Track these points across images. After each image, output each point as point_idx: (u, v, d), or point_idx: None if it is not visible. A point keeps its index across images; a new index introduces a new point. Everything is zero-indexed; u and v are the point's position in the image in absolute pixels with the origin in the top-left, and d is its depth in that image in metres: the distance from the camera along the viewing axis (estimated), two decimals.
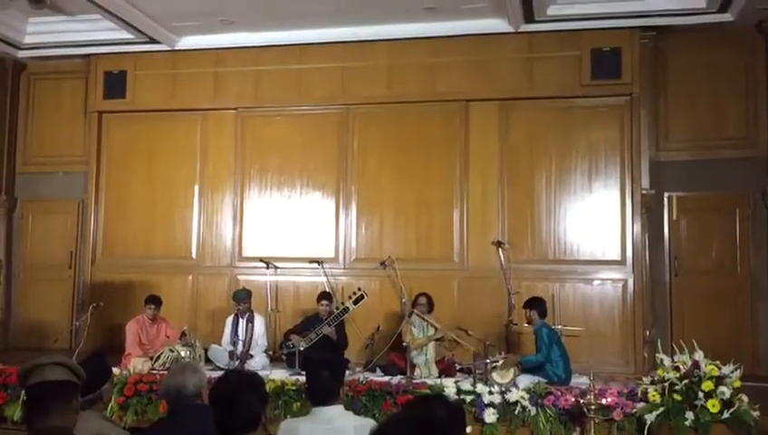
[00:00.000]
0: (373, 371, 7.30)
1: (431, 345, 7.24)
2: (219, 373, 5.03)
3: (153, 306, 7.78)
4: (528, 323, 7.17)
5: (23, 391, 2.68)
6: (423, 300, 7.45)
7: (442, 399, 2.55)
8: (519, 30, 8.38)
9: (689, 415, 5.30)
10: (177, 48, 9.29)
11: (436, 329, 7.29)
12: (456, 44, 8.63)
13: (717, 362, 5.47)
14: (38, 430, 2.56)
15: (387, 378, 6.84)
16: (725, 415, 5.26)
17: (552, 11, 8.11)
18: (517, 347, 7.81)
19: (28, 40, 9.44)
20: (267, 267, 8.49)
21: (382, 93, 8.85)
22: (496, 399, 6.00)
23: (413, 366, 7.06)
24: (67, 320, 9.28)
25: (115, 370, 5.47)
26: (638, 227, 8.17)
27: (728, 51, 8.35)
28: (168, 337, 7.74)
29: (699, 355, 5.51)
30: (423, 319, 7.35)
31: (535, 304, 7.04)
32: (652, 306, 8.18)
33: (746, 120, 8.29)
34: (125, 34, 8.91)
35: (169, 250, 9.32)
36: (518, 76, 8.56)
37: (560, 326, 7.31)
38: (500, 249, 8.05)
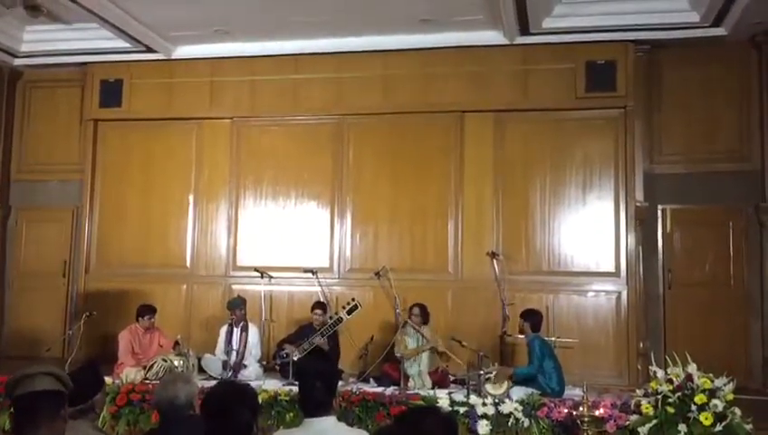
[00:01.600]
0: (367, 381, 7.29)
1: (424, 356, 7.21)
2: (212, 383, 5.02)
3: (151, 317, 7.76)
4: (521, 333, 7.18)
5: (11, 402, 2.65)
6: (417, 311, 7.43)
7: (435, 410, 2.56)
8: (514, 42, 8.42)
9: (682, 428, 5.31)
10: (173, 57, 9.31)
11: (427, 339, 7.29)
12: (451, 56, 8.67)
13: (710, 375, 5.48)
14: None
15: (380, 389, 6.83)
16: (718, 428, 5.26)
17: (547, 24, 8.16)
18: (511, 358, 7.80)
19: (25, 48, 9.45)
20: (262, 277, 8.46)
21: (377, 104, 8.88)
22: (490, 410, 6.01)
23: (406, 377, 7.03)
24: (60, 329, 9.24)
25: (107, 379, 5.44)
26: (631, 240, 8.19)
27: (722, 65, 8.41)
28: (161, 346, 7.70)
29: (692, 368, 5.52)
30: (416, 331, 7.34)
31: (529, 316, 7.05)
32: (646, 319, 8.20)
33: (740, 134, 8.34)
34: (122, 43, 8.93)
35: (164, 259, 9.29)
36: (513, 88, 8.59)
37: (554, 338, 7.33)
38: (494, 260, 8.06)
